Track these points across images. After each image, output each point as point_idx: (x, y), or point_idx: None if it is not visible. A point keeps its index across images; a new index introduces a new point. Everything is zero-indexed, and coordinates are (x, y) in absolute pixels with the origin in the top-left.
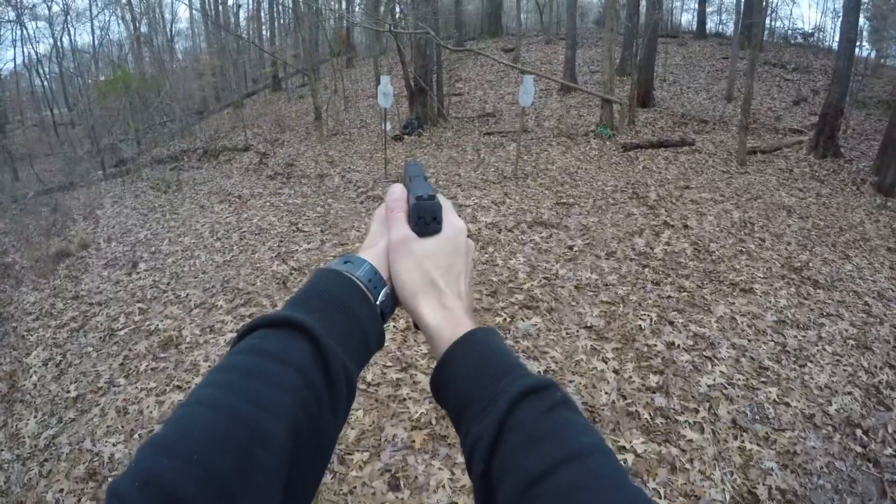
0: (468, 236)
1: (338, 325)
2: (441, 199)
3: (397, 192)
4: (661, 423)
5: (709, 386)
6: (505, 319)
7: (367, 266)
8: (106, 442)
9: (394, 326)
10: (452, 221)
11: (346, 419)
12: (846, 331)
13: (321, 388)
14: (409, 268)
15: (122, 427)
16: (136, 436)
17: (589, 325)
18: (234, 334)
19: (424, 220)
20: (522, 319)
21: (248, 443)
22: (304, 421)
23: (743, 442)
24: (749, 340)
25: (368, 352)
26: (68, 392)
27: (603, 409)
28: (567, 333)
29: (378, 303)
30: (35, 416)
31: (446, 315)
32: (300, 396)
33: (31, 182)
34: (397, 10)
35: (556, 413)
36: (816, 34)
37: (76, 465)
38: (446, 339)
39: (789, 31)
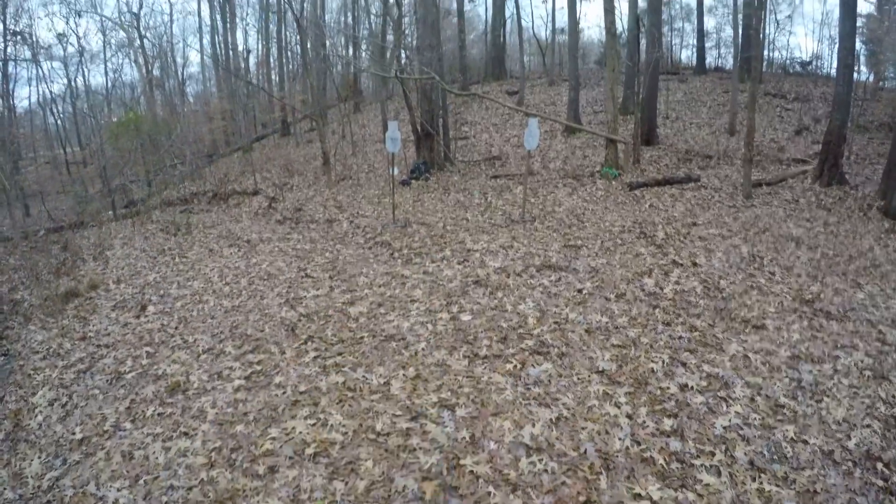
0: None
1: None
2: None
3: None
4: (677, 467)
5: (724, 427)
6: (515, 366)
7: None
8: (110, 486)
9: (403, 374)
10: None
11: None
12: (862, 361)
13: None
14: None
15: (128, 472)
16: (141, 481)
17: (601, 369)
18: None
19: None
20: (533, 366)
21: None
22: None
23: (761, 483)
24: (763, 378)
25: None
26: (73, 434)
27: (617, 456)
28: (579, 379)
29: None
30: (39, 457)
31: None
32: None
33: (42, 219)
34: (403, 56)
35: None
36: (814, 62)
37: None
38: None
39: (788, 61)
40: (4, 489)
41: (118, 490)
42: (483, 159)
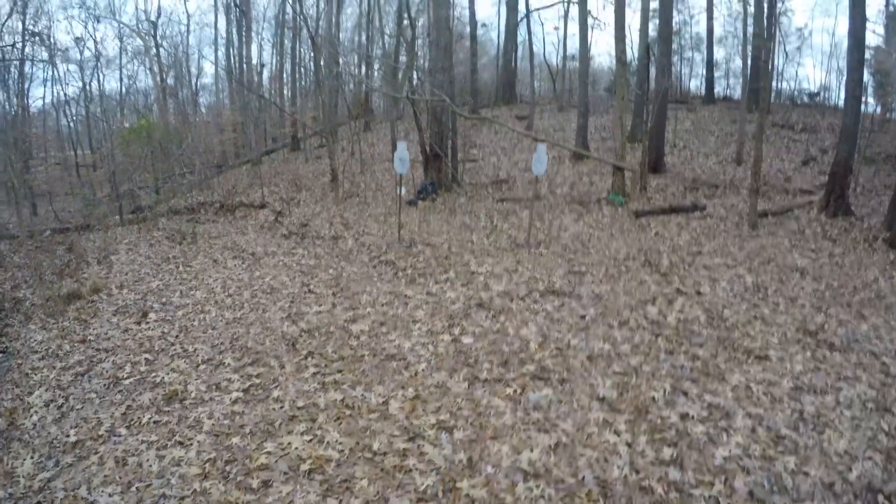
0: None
1: None
2: None
3: None
4: (676, 497)
5: (724, 458)
6: (515, 391)
7: None
8: (102, 491)
9: (402, 394)
10: None
11: None
12: (865, 393)
13: None
14: None
15: (120, 478)
16: (133, 488)
17: (601, 396)
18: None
19: None
20: (533, 391)
21: None
22: None
23: None
24: (765, 409)
25: None
26: (68, 436)
27: (615, 484)
28: (579, 405)
29: None
30: (32, 457)
31: None
32: None
33: (48, 219)
34: (415, 77)
35: None
36: (822, 93)
37: None
38: None
39: (796, 92)
40: None
41: (110, 496)
42: (490, 182)
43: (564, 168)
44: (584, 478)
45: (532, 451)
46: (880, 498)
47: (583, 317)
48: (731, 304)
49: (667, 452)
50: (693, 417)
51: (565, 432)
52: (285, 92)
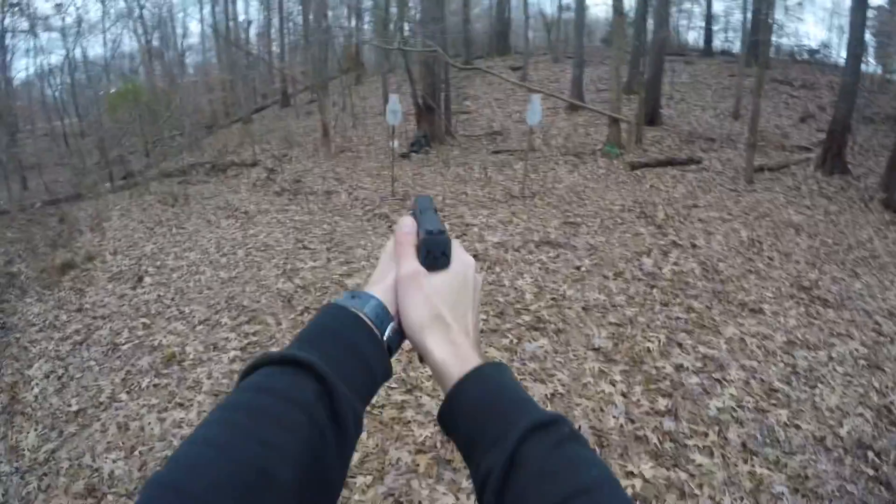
0: (476, 271)
1: (344, 362)
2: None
3: (407, 225)
4: (670, 447)
5: (718, 409)
6: (511, 341)
7: (375, 302)
8: (106, 458)
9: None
10: (461, 257)
11: (352, 457)
12: (857, 350)
13: (328, 427)
14: (417, 303)
15: (123, 444)
16: (136, 452)
17: (597, 346)
18: (238, 353)
19: (433, 255)
20: (529, 341)
21: (254, 484)
22: (311, 461)
23: (753, 466)
24: (759, 362)
25: (374, 387)
26: (69, 406)
27: (611, 434)
28: (574, 356)
29: (385, 338)
30: (35, 429)
31: (454, 350)
32: (307, 437)
33: (39, 191)
34: (406, 28)
35: (566, 447)
36: (823, 50)
37: (75, 480)
38: (454, 375)
39: (795, 48)
40: (1, 462)
41: (114, 461)
42: (484, 134)
43: (559, 119)
44: (580, 427)
45: None
46: (870, 454)
47: (578, 268)
48: (726, 258)
49: (661, 403)
50: (688, 369)
51: (561, 382)
52: (274, 48)
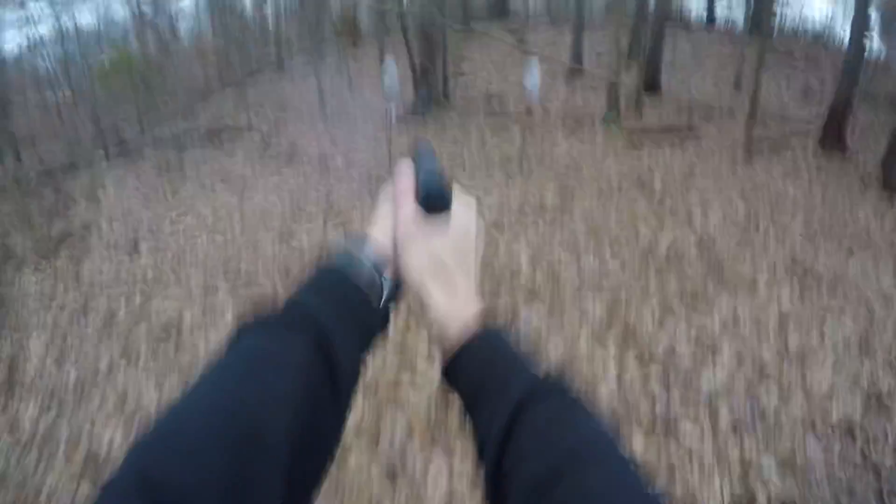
0: (478, 213)
1: (341, 315)
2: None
3: (406, 168)
4: (661, 420)
5: (710, 385)
6: (506, 303)
7: (371, 249)
8: (105, 427)
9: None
10: (462, 197)
11: (350, 412)
12: (849, 333)
13: (324, 381)
14: (417, 250)
15: (122, 411)
16: (136, 420)
17: (591, 316)
18: (236, 317)
19: (433, 197)
20: (525, 307)
21: (246, 438)
22: (307, 415)
23: (743, 448)
24: (751, 339)
25: (373, 341)
26: (69, 376)
27: (601, 405)
28: (569, 325)
29: (383, 287)
30: (35, 401)
31: (456, 301)
32: (302, 390)
33: (33, 163)
34: None
35: (570, 406)
36: (827, 25)
37: (76, 449)
38: (457, 326)
39: (799, 22)
40: (2, 434)
41: (113, 430)
42: (481, 98)
43: (557, 84)
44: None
45: None
46: (859, 441)
47: (574, 233)
48: (722, 231)
49: (654, 377)
50: (681, 343)
51: (556, 349)
52: (268, 11)
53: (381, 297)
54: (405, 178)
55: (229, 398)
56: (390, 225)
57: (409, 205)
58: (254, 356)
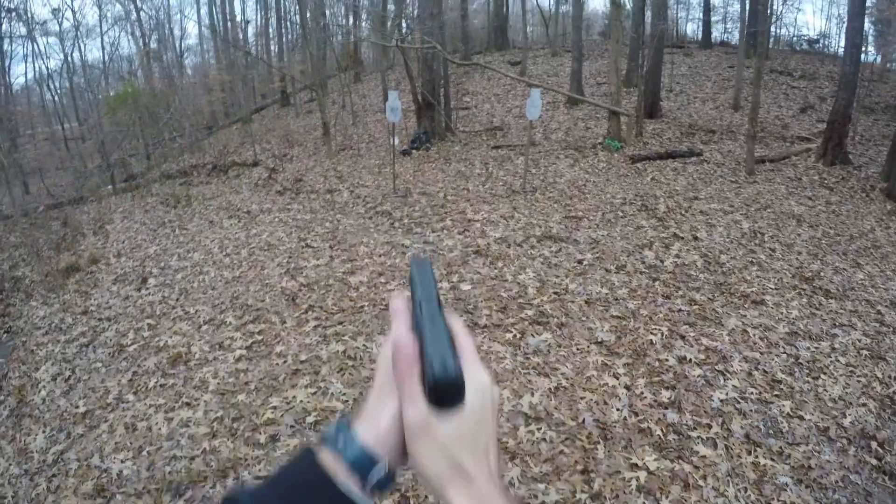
0: (493, 389)
1: None
2: (464, 338)
3: (406, 347)
4: (674, 439)
5: (721, 400)
6: (515, 335)
7: (357, 448)
8: (114, 458)
9: None
10: (476, 380)
11: None
12: (859, 341)
13: None
14: (432, 456)
15: (131, 444)
16: (144, 452)
17: (600, 340)
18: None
19: (444, 390)
20: (532, 335)
21: None
22: None
23: (757, 457)
24: (761, 353)
25: None
26: (77, 407)
27: (615, 426)
28: (578, 349)
29: (369, 485)
30: (43, 431)
31: None
32: None
33: (41, 196)
34: (404, 25)
35: None
36: (822, 40)
37: (84, 480)
38: None
39: (794, 38)
40: (10, 465)
41: (122, 462)
42: (484, 129)
43: (559, 113)
44: (584, 420)
45: (533, 394)
46: (873, 444)
47: (580, 261)
48: (728, 250)
49: (665, 395)
50: (691, 360)
51: (565, 376)
52: (272, 47)
53: (369, 486)
54: (407, 363)
55: None
56: (388, 419)
57: (416, 407)
58: None
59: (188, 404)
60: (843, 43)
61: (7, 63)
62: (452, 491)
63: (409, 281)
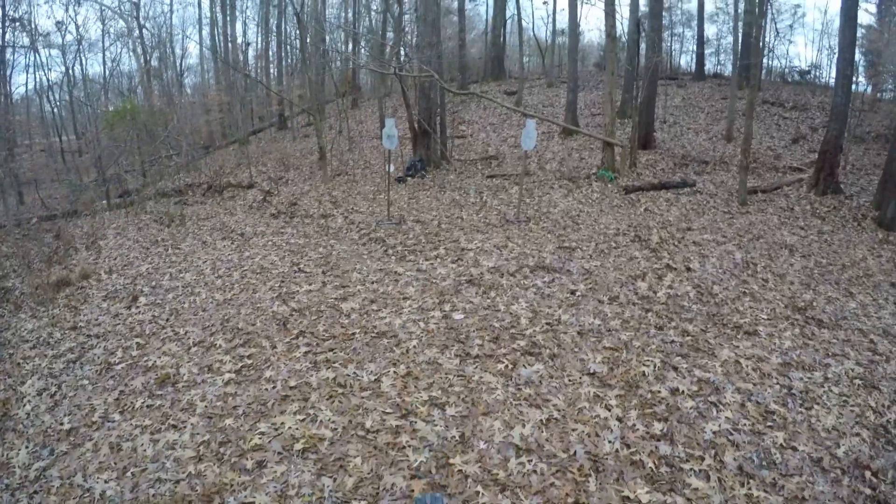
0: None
1: None
2: None
3: None
4: (666, 471)
5: (714, 432)
6: (507, 366)
7: None
8: (98, 478)
9: (394, 371)
10: None
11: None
12: (852, 370)
13: None
14: None
15: (115, 464)
16: (128, 473)
17: (592, 371)
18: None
19: None
20: (525, 366)
21: None
22: None
23: (750, 489)
24: (754, 384)
25: None
26: (62, 424)
27: (606, 459)
28: (570, 380)
29: None
30: (26, 447)
31: None
32: None
33: (35, 207)
34: (402, 53)
35: None
36: (813, 71)
37: (66, 499)
38: None
39: (786, 70)
40: None
41: (105, 482)
42: (480, 158)
43: (554, 144)
44: (575, 452)
45: (524, 426)
46: (867, 474)
47: (573, 292)
48: (721, 280)
49: (657, 427)
50: (683, 392)
51: (556, 407)
52: (271, 70)
53: None
54: None
55: None
56: None
57: None
58: None
59: (175, 426)
60: (834, 74)
61: (8, 72)
62: None
63: None
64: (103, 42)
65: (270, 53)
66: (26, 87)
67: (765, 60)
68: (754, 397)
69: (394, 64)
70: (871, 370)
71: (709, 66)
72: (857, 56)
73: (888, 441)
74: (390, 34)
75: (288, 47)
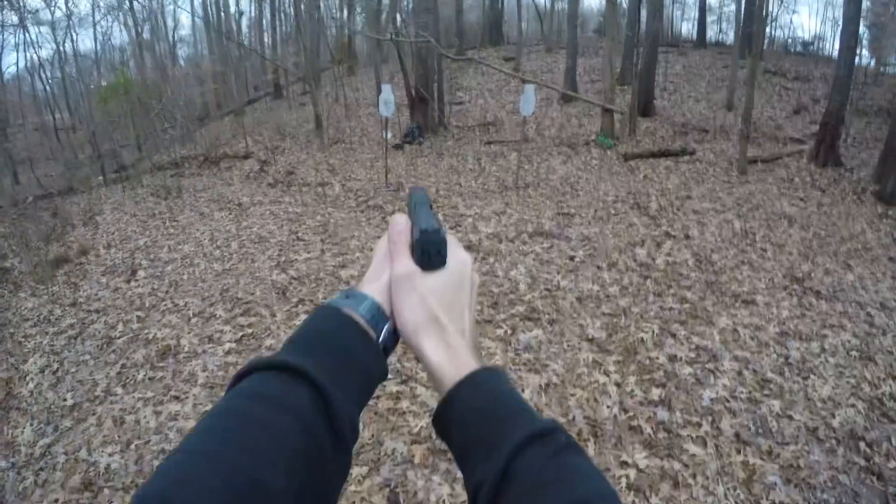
0: (473, 269)
1: (339, 367)
2: (446, 233)
3: (401, 223)
4: (664, 437)
5: (711, 399)
6: (506, 332)
7: (369, 302)
8: (102, 452)
9: None
10: (458, 255)
11: (351, 462)
12: (849, 342)
13: (323, 434)
14: (411, 304)
15: (119, 437)
16: (132, 446)
17: (590, 337)
18: (233, 345)
19: (428, 254)
20: (524, 332)
21: (245, 494)
22: (305, 469)
23: (746, 456)
24: (752, 353)
25: (370, 390)
26: (65, 400)
27: (605, 424)
28: (568, 346)
29: (380, 340)
30: (31, 424)
31: (450, 353)
32: (301, 444)
33: (31, 186)
34: (399, 18)
35: (562, 457)
36: (816, 43)
37: (72, 474)
38: (450, 379)
39: (789, 40)
40: None
41: (110, 455)
42: (478, 125)
43: (553, 110)
44: (574, 417)
45: (523, 391)
46: (862, 445)
47: (572, 258)
48: (720, 249)
49: (655, 393)
50: (681, 359)
51: (555, 373)
52: (266, 39)
53: (379, 348)
54: (400, 234)
55: (228, 452)
56: (386, 280)
57: (404, 262)
58: (255, 409)
59: (177, 398)
60: (837, 46)
61: None
62: (425, 336)
63: (408, 199)
64: (94, 16)
65: (264, 22)
66: (17, 66)
67: (768, 30)
68: (751, 365)
69: (390, 30)
70: (867, 342)
71: (710, 34)
72: (862, 29)
73: (883, 413)
74: (386, 0)
75: (282, 15)
